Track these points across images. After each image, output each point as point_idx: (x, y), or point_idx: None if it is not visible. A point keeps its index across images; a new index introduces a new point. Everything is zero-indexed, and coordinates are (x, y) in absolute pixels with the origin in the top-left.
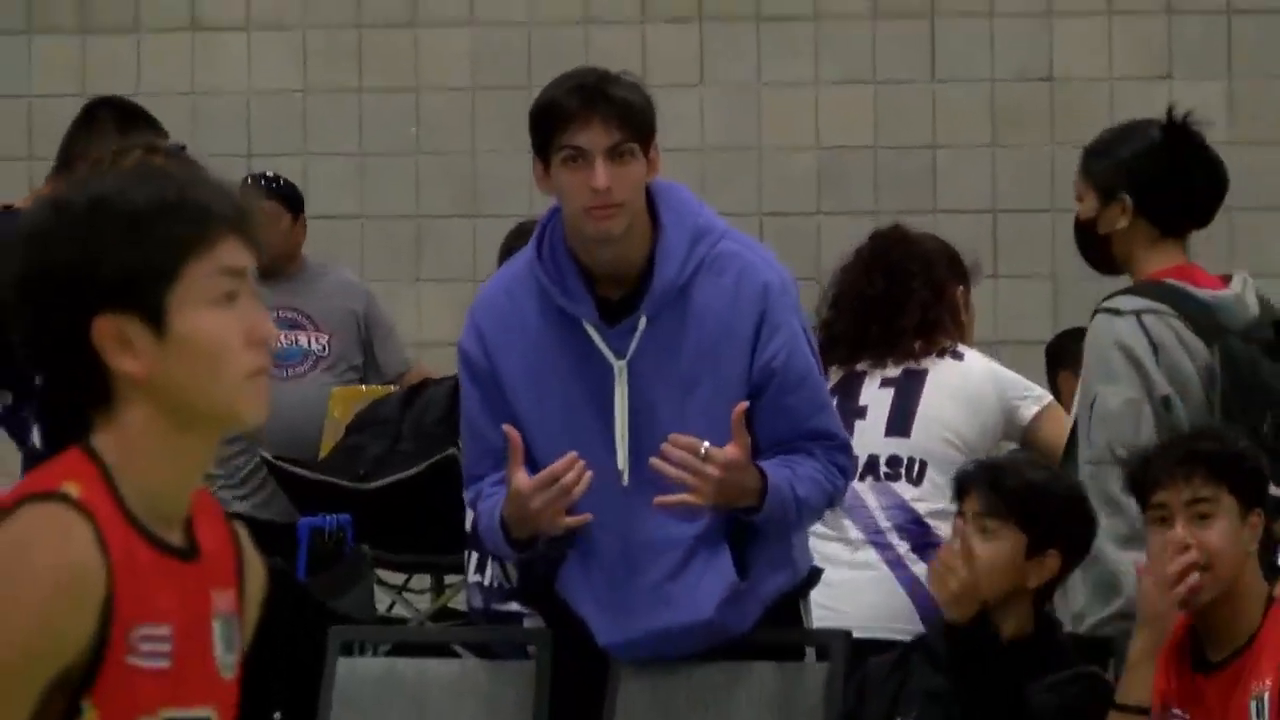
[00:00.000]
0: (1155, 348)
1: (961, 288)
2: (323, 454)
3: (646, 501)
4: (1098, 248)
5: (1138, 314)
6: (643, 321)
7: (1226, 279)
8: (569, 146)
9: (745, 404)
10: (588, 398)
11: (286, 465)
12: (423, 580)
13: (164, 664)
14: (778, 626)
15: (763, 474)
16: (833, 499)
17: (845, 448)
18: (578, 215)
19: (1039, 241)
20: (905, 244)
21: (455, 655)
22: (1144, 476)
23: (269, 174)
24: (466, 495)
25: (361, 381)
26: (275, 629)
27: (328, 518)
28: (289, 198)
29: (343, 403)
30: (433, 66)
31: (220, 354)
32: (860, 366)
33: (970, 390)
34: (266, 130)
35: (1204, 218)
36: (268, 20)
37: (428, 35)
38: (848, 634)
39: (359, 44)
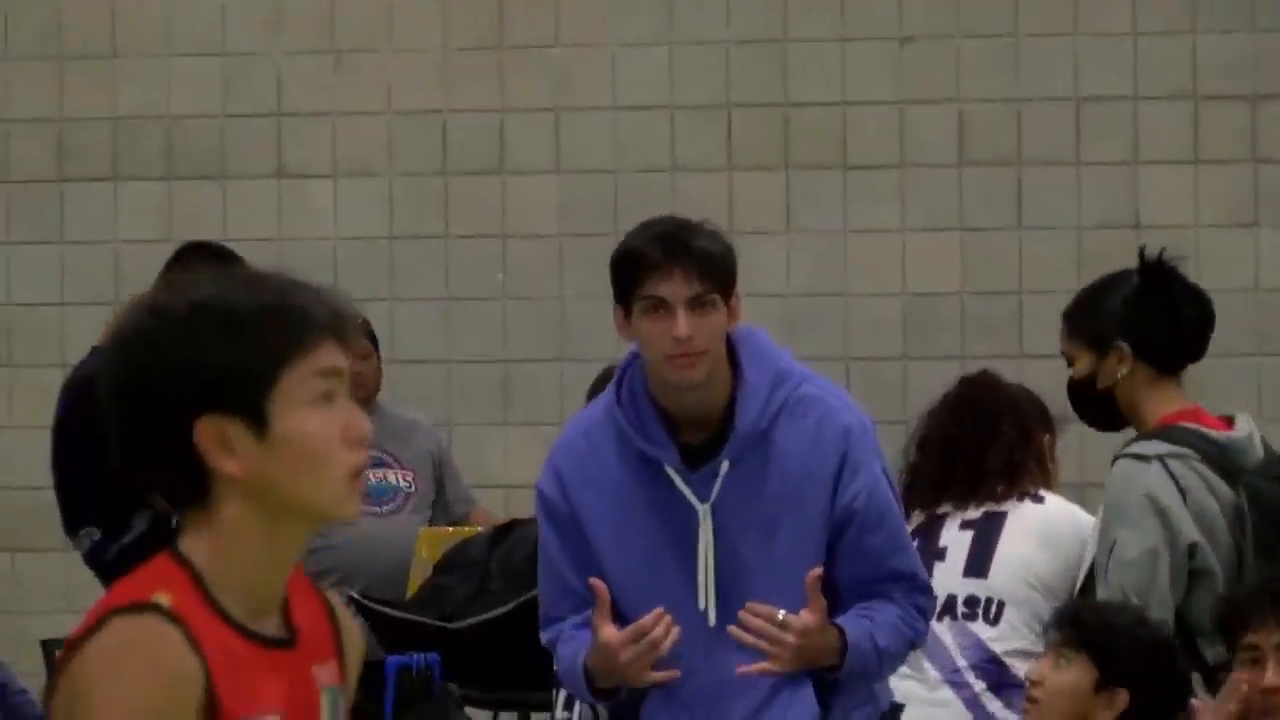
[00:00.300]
0: (1183, 493)
1: (1048, 436)
2: (410, 593)
3: (730, 642)
4: (1098, 404)
5: (1162, 459)
6: (725, 465)
7: (1228, 420)
8: (650, 297)
9: (819, 570)
10: (670, 540)
11: (374, 604)
12: (509, 718)
13: None
14: None
15: (841, 632)
16: (914, 643)
17: (926, 589)
18: (659, 363)
19: None
20: (994, 389)
21: None
22: (1234, 617)
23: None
24: (544, 636)
25: (430, 520)
26: None
27: (415, 656)
28: (373, 337)
29: (430, 543)
30: (519, 213)
31: (322, 453)
32: (942, 509)
33: (1050, 532)
34: (354, 276)
35: (1198, 351)
36: (354, 168)
37: (514, 182)
38: None
39: (445, 191)
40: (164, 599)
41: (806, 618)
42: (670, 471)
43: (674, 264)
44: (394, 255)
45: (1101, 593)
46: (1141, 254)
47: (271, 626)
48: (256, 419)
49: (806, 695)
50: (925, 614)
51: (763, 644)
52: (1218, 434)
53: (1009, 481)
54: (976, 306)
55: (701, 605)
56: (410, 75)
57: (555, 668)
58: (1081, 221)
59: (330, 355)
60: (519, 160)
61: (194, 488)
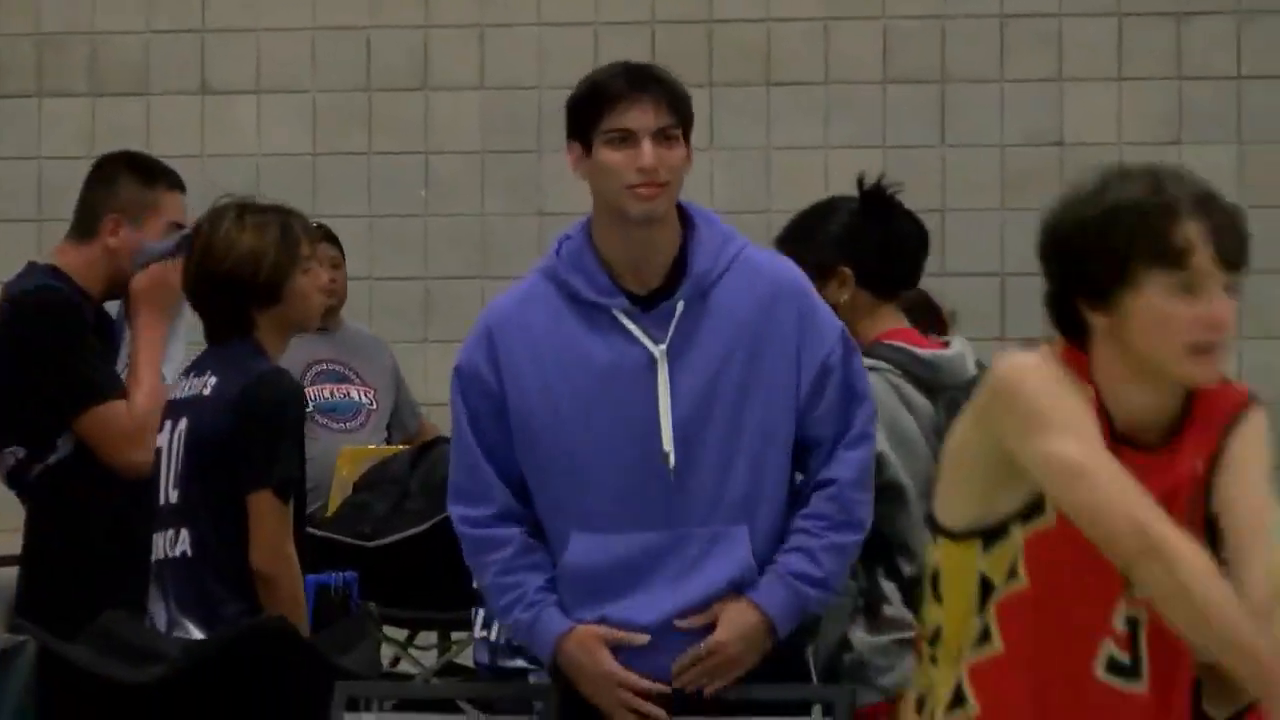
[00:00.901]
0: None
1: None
2: (330, 511)
3: (684, 494)
4: None
5: None
6: (680, 306)
7: (945, 343)
8: (616, 129)
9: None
10: (613, 389)
11: None
12: (428, 636)
13: None
14: (785, 680)
15: (763, 612)
16: (860, 535)
17: (856, 482)
18: (620, 194)
19: None
20: None
21: (460, 711)
22: None
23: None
24: (465, 511)
25: (388, 437)
26: (280, 684)
27: (333, 575)
28: (340, 246)
29: (351, 462)
30: (443, 130)
31: None
32: None
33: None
34: (276, 192)
35: (915, 277)
36: (277, 84)
37: (438, 98)
38: (853, 690)
39: (369, 107)
40: None
41: (718, 636)
42: (620, 316)
43: (642, 93)
44: (317, 171)
45: None
46: (860, 181)
47: None
48: None
49: (741, 547)
50: (860, 499)
51: (706, 681)
52: (925, 351)
53: None
54: None
55: (667, 447)
56: None
57: (481, 586)
58: (1005, 139)
59: None
60: (442, 77)
61: None
